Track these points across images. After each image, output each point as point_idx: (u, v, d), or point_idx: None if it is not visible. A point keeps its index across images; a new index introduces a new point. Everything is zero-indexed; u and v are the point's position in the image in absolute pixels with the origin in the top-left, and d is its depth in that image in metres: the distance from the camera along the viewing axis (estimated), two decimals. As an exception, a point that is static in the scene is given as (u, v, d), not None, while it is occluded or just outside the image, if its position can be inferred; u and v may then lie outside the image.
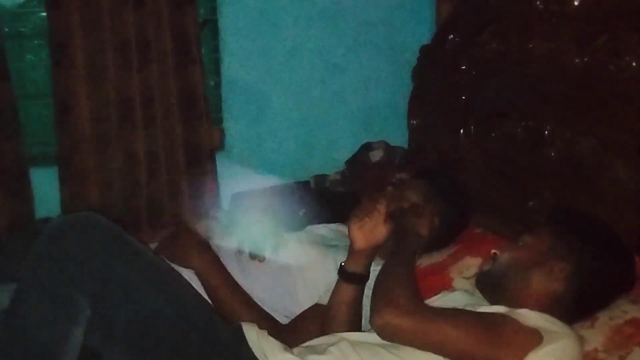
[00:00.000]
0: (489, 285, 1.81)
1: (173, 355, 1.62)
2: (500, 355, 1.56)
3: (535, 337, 1.58)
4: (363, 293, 1.87)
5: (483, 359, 1.57)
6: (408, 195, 2.21)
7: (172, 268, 1.88)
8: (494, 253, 1.83)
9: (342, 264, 1.89)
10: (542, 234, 1.79)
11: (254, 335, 1.72)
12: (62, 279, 1.56)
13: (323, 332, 1.85)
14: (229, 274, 2.08)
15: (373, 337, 1.75)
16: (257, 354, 1.67)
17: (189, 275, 1.99)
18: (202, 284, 2.03)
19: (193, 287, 1.85)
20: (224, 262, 2.10)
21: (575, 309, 1.73)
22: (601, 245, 1.74)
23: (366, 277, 1.88)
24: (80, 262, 1.57)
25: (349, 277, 1.85)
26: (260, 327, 1.77)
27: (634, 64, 1.93)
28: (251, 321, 1.82)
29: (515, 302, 1.73)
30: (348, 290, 1.86)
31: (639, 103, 1.93)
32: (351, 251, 1.86)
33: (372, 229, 1.83)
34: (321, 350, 1.71)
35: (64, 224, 1.64)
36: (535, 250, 1.76)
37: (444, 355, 1.62)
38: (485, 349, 1.57)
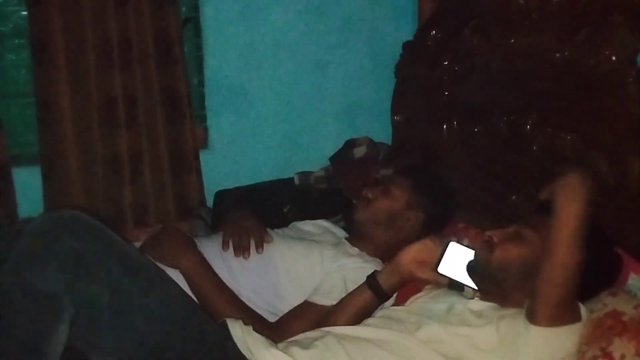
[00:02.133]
0: (485, 275, 1.79)
1: (158, 352, 1.62)
2: None
3: None
4: (377, 306, 1.90)
5: None
6: (392, 191, 2.23)
7: (156, 265, 1.88)
8: (490, 237, 1.80)
9: (376, 270, 1.92)
10: (543, 231, 1.74)
11: (238, 330, 1.73)
12: (45, 277, 1.55)
13: (321, 324, 1.86)
14: (214, 272, 2.08)
15: (360, 331, 1.76)
16: (241, 349, 1.68)
17: (174, 274, 1.99)
18: (188, 283, 2.03)
19: (177, 284, 1.86)
20: (209, 261, 2.10)
21: None
22: (597, 248, 1.73)
23: (388, 296, 1.91)
24: (63, 260, 1.56)
25: (374, 286, 1.87)
26: (247, 325, 1.78)
27: (614, 58, 1.94)
28: (238, 319, 1.82)
29: (505, 297, 1.75)
30: (366, 296, 1.88)
31: (620, 97, 1.94)
32: (392, 264, 1.88)
33: (423, 261, 1.85)
34: (306, 345, 1.71)
35: (46, 221, 1.63)
36: (538, 251, 1.74)
37: None
38: None
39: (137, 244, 2.12)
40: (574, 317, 1.62)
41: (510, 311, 1.72)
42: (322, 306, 1.98)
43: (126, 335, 1.60)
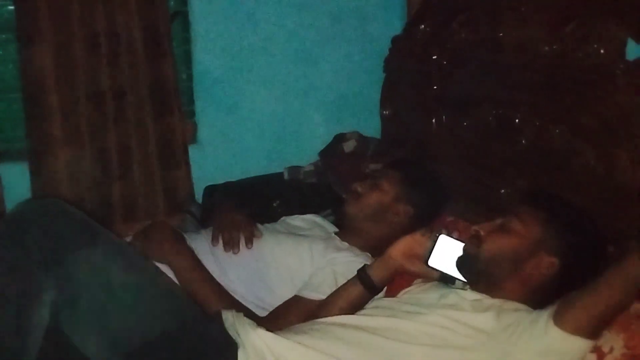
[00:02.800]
0: (474, 270, 1.79)
1: (139, 333, 1.61)
2: None
3: None
4: (368, 300, 1.88)
5: None
6: (382, 185, 2.23)
7: (137, 250, 1.87)
8: (476, 231, 1.81)
9: (367, 264, 1.91)
10: (530, 221, 1.76)
11: (229, 317, 1.74)
12: (25, 260, 1.56)
13: (311, 318, 1.85)
14: (204, 267, 2.07)
15: (352, 320, 1.76)
16: (229, 332, 1.68)
17: (164, 269, 1.98)
18: (177, 277, 2.02)
19: (160, 270, 1.86)
20: (198, 256, 2.10)
21: (551, 296, 1.74)
22: (585, 237, 1.75)
23: (379, 290, 1.89)
24: (44, 244, 1.57)
25: (365, 280, 1.86)
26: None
27: (602, 50, 1.95)
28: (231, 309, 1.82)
29: (496, 289, 1.75)
30: (357, 289, 1.87)
31: (608, 89, 1.95)
32: (382, 258, 1.87)
33: (414, 255, 1.84)
34: (297, 332, 1.72)
35: (27, 208, 1.64)
36: (526, 241, 1.75)
37: None
38: None
39: (127, 239, 2.12)
40: (595, 335, 1.60)
41: (511, 305, 1.72)
42: (312, 300, 1.98)
43: (107, 317, 1.60)
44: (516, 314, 1.67)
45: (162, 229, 2.15)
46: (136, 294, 1.63)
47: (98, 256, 1.62)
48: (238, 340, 1.66)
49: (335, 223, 2.41)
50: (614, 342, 1.62)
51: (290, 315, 1.95)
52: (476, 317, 1.68)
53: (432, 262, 1.81)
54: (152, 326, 1.62)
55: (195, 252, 2.10)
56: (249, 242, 2.14)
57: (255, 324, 1.73)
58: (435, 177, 2.35)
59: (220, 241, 2.14)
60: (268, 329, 1.76)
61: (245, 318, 1.75)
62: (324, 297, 1.95)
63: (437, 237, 1.81)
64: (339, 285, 1.94)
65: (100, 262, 1.62)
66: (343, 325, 1.73)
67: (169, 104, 2.89)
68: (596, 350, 1.62)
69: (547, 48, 2.13)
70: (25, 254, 1.57)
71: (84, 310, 1.59)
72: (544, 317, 1.62)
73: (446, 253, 1.80)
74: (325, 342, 1.66)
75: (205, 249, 2.14)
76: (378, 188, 2.23)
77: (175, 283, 1.95)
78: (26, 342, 1.56)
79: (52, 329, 1.58)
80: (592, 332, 1.59)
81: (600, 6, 1.99)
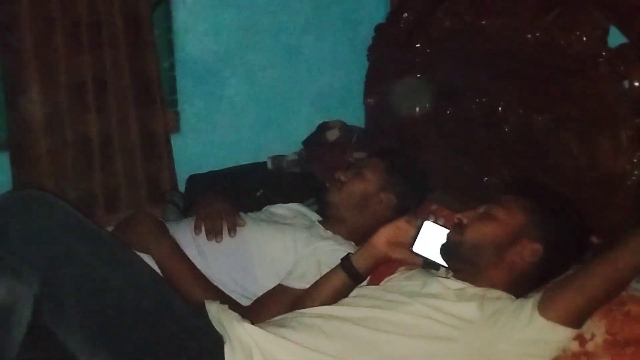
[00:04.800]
0: (458, 258, 1.79)
1: (124, 326, 1.60)
2: None
3: None
4: (352, 288, 1.88)
5: None
6: (365, 174, 2.22)
7: (121, 242, 1.86)
8: (459, 219, 1.81)
9: (350, 253, 1.90)
10: (513, 208, 1.77)
11: (214, 309, 1.73)
12: (7, 254, 1.54)
13: (295, 307, 1.85)
14: (186, 256, 2.06)
15: (335, 311, 1.76)
16: (215, 326, 1.67)
17: (146, 260, 1.97)
18: (160, 268, 2.01)
19: (145, 262, 1.84)
20: (181, 245, 2.09)
21: (534, 283, 1.75)
22: (568, 223, 1.76)
23: (362, 278, 1.89)
24: (26, 238, 1.56)
25: (349, 269, 1.86)
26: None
27: (584, 38, 1.95)
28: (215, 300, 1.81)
29: (480, 277, 1.76)
30: (340, 278, 1.86)
31: (591, 77, 1.95)
32: (366, 247, 1.87)
33: (397, 242, 1.83)
34: (281, 324, 1.71)
35: (10, 199, 1.63)
36: (510, 227, 1.75)
37: None
38: None
39: (109, 230, 2.10)
40: (579, 324, 1.61)
41: (493, 293, 1.72)
42: (295, 289, 1.98)
43: (91, 311, 1.59)
44: (499, 302, 1.68)
45: (144, 219, 2.14)
46: (119, 287, 1.62)
47: (81, 248, 1.61)
48: (224, 334, 1.66)
49: (319, 212, 2.41)
50: (595, 328, 1.63)
51: (274, 305, 1.94)
52: (460, 306, 1.68)
53: (416, 248, 1.80)
54: (137, 320, 1.61)
55: (178, 241, 2.09)
56: (232, 230, 2.13)
57: (240, 317, 1.72)
58: (419, 166, 2.36)
59: (203, 230, 2.13)
60: (252, 320, 1.76)
61: (230, 311, 1.75)
62: (307, 286, 1.95)
63: (422, 223, 1.81)
64: (323, 274, 1.94)
65: (83, 255, 1.60)
66: (327, 317, 1.72)
67: (151, 93, 2.86)
68: (578, 337, 1.63)
69: (529, 36, 2.13)
70: (6, 247, 1.55)
71: (68, 305, 1.57)
72: (528, 306, 1.62)
73: (431, 239, 1.80)
74: (310, 336, 1.66)
75: (188, 238, 2.13)
76: (361, 177, 2.23)
77: (158, 274, 1.94)
78: (8, 338, 1.55)
79: (36, 324, 1.57)
80: (577, 321, 1.60)
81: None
